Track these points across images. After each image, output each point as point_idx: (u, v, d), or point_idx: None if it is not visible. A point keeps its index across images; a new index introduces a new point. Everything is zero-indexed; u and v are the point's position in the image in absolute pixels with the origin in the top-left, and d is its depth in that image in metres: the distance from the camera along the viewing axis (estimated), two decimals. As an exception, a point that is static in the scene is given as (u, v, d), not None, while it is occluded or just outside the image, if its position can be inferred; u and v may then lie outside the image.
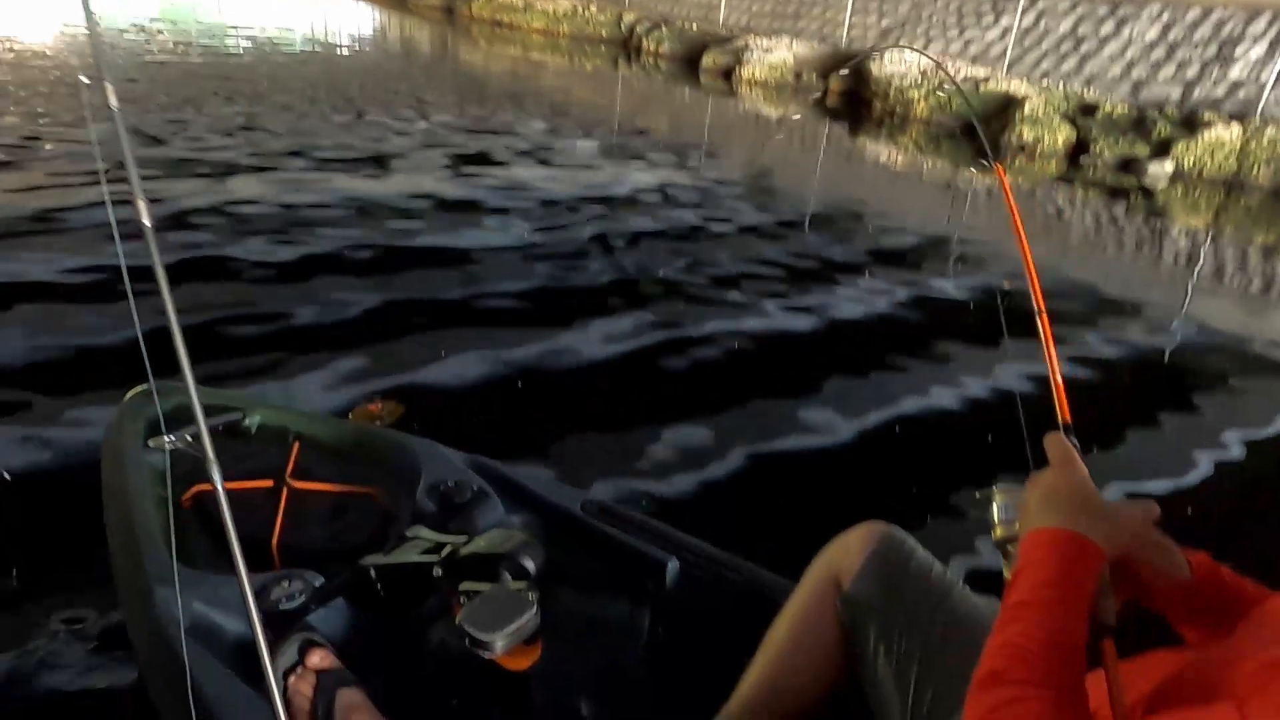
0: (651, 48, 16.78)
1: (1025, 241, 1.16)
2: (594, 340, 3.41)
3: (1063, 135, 10.22)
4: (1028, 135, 10.20)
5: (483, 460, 1.59)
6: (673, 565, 1.41)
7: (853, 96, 13.16)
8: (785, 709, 1.15)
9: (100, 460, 1.49)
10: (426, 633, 1.34)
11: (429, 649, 1.34)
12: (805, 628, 1.19)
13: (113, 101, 0.78)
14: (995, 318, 4.22)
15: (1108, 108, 10.56)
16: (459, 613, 1.19)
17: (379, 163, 6.00)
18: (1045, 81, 11.79)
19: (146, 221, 0.85)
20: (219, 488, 1.00)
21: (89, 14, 0.79)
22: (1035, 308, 1.09)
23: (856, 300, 4.33)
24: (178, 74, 8.96)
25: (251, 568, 1.22)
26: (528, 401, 2.86)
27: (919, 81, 11.90)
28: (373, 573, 1.30)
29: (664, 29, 16.91)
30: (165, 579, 1.22)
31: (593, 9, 19.01)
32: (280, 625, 1.24)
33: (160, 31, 12.50)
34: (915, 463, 2.74)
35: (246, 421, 1.58)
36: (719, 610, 1.38)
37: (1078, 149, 10.20)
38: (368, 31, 17.90)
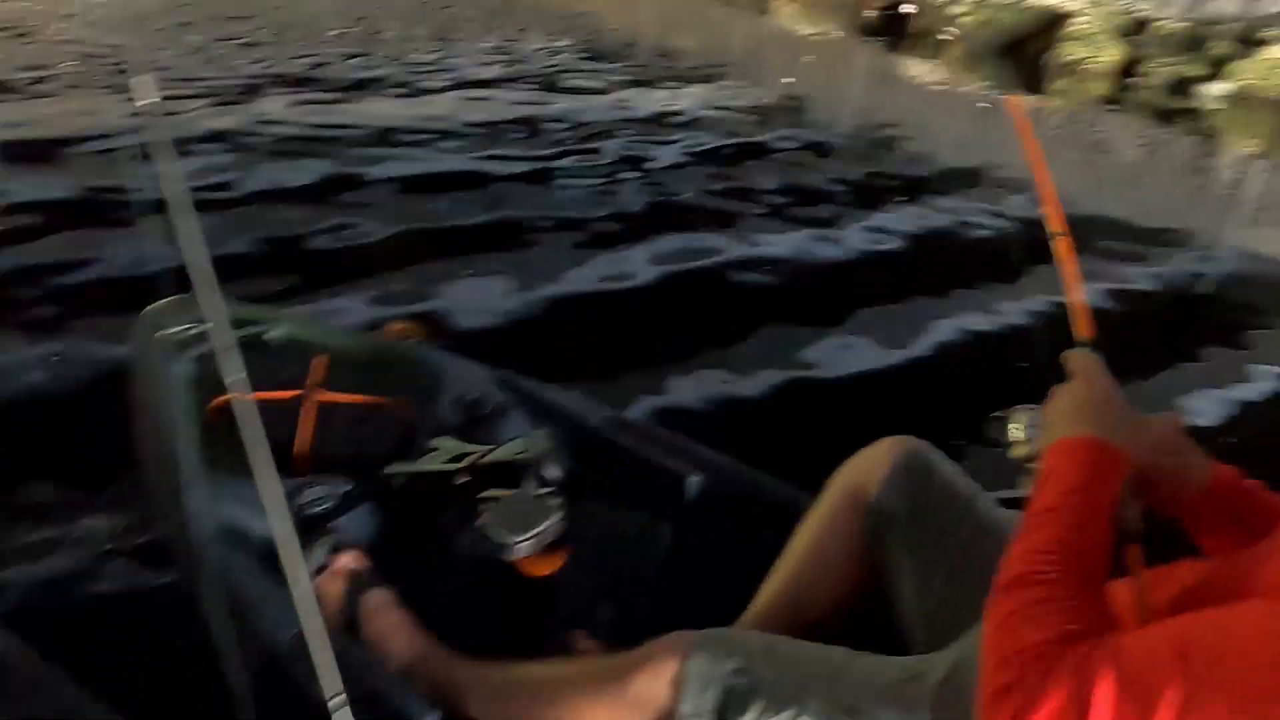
0: (681, -39, 16.12)
1: (1039, 158, 1.13)
2: (620, 265, 3.35)
3: (1112, 54, 9.77)
4: (1074, 54, 9.76)
5: (506, 374, 1.59)
6: (694, 479, 1.41)
7: (892, 13, 12.62)
8: (805, 617, 1.16)
9: (129, 373, 1.50)
10: (450, 538, 1.35)
11: (453, 554, 1.36)
12: (828, 537, 1.19)
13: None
14: (1029, 244, 4.12)
15: (1161, 25, 10.04)
16: (482, 517, 1.20)
17: (402, 85, 5.88)
18: (1096, -5, 11.20)
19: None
20: (241, 397, 1.00)
21: None
22: (1049, 231, 1.08)
23: (889, 226, 4.20)
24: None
25: (280, 475, 1.27)
26: (558, 327, 2.84)
27: (962, -3, 11.39)
28: (398, 480, 1.33)
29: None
30: (194, 484, 1.25)
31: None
32: (308, 529, 1.27)
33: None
34: (944, 390, 2.70)
35: (272, 334, 1.58)
36: (740, 523, 1.39)
37: (1127, 69, 9.75)
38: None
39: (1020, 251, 3.73)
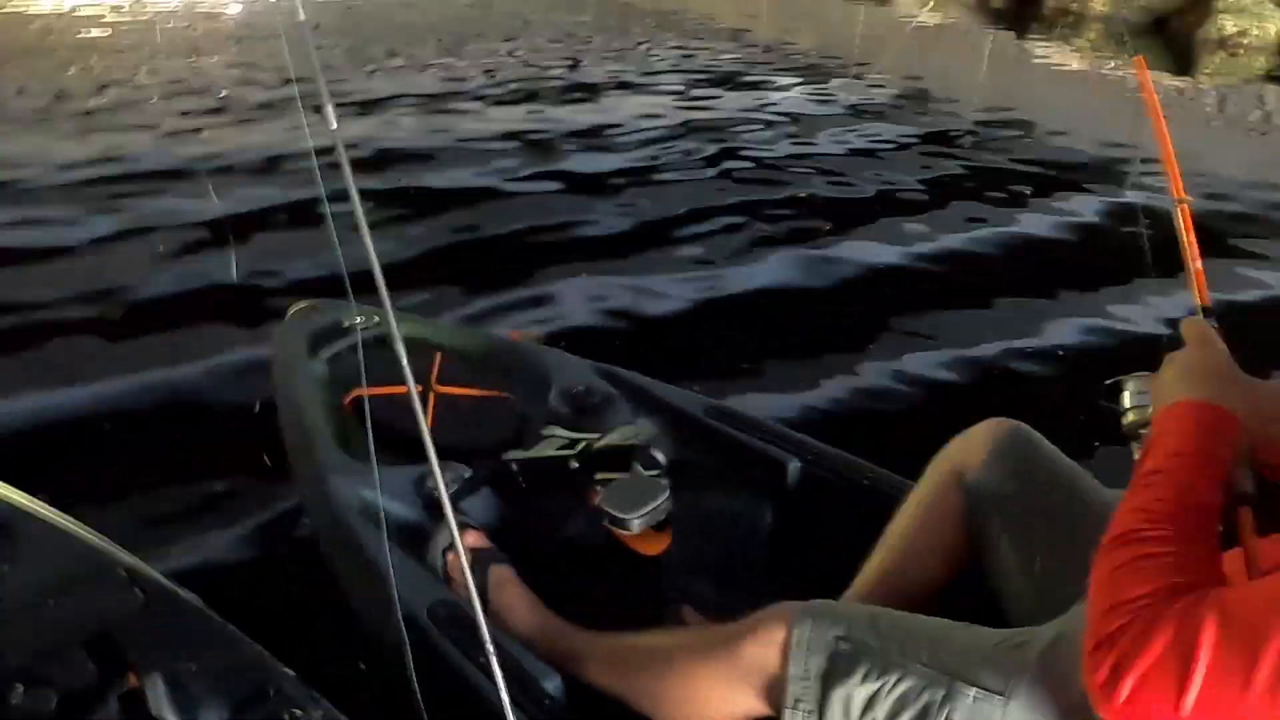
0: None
1: (1164, 130, 1.18)
2: (735, 261, 3.37)
3: (1275, 25, 8.93)
4: (1230, 27, 8.99)
5: (609, 367, 1.66)
6: (794, 464, 1.45)
7: (1021, -6, 12.01)
8: (907, 594, 1.18)
9: (270, 370, 1.65)
10: (566, 518, 1.44)
11: (568, 533, 1.44)
12: (929, 517, 1.21)
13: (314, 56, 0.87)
14: (1170, 236, 3.85)
15: (1335, -11, 9.11)
16: (597, 497, 1.29)
17: (530, 96, 6.09)
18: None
19: (344, 160, 0.93)
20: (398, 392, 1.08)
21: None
22: (1172, 198, 1.09)
23: (1020, 219, 4.02)
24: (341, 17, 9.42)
25: (407, 462, 1.38)
26: (665, 330, 2.88)
27: (1099, -27, 10.69)
28: (515, 466, 1.42)
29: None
30: (336, 469, 1.37)
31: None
32: (436, 511, 1.37)
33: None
34: (1068, 381, 2.61)
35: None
36: (839, 507, 1.41)
37: (1293, 40, 8.90)
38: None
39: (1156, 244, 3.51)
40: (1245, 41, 8.93)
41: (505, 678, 1.01)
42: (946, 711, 0.88)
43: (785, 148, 5.06)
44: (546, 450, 1.42)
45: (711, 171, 4.58)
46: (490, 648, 0.94)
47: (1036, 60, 8.90)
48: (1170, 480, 0.75)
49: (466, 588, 1.33)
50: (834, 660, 0.95)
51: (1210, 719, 0.62)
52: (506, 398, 1.64)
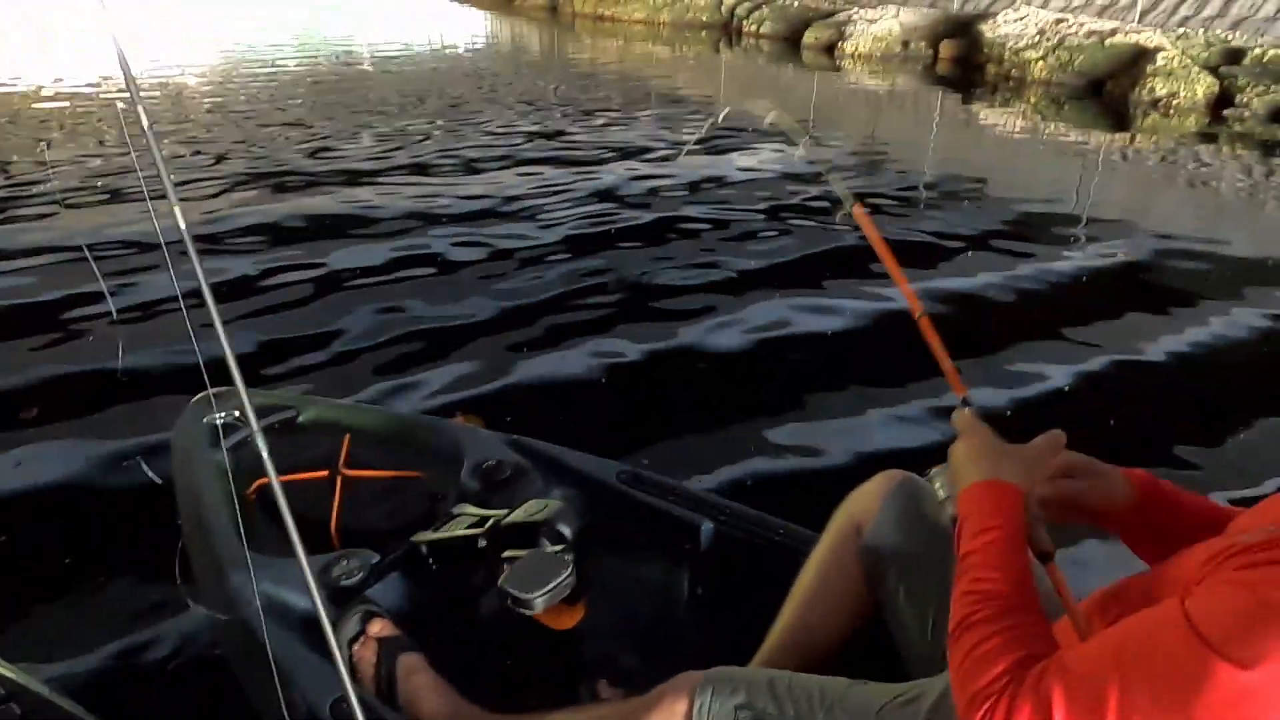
0: (752, 29, 16.55)
1: (892, 261, 1.22)
2: (703, 328, 3.39)
3: (1203, 87, 9.39)
4: (1161, 89, 9.43)
5: (521, 439, 1.66)
6: (706, 526, 1.47)
7: (964, 62, 12.54)
8: (815, 649, 1.21)
9: (171, 462, 1.63)
10: (476, 599, 1.42)
11: (479, 614, 1.42)
12: (830, 573, 1.25)
13: (145, 122, 0.86)
14: (1113, 293, 3.98)
15: (1257, 53, 9.61)
16: (502, 577, 1.27)
17: (487, 165, 6.19)
18: (1183, 29, 10.83)
19: (187, 238, 0.91)
20: (274, 480, 1.07)
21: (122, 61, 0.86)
22: (910, 309, 1.18)
23: (971, 276, 4.12)
24: (305, 90, 9.57)
25: (313, 550, 1.34)
26: (631, 398, 2.89)
27: (1036, 41, 11.20)
28: (424, 548, 1.40)
29: (765, 9, 16.63)
30: (237, 563, 1.34)
31: (692, -6, 18.92)
32: (342, 600, 1.35)
33: (292, 52, 13.40)
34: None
35: (301, 418, 1.70)
36: (753, 566, 1.43)
37: (1220, 101, 9.33)
38: (479, 36, 18.55)
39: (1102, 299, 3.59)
40: (1176, 103, 9.35)
41: None
42: None
43: (726, 210, 5.15)
44: (456, 529, 1.40)
45: (662, 228, 4.67)
46: None
47: (981, 123, 9.25)
48: (983, 559, 0.83)
49: (371, 679, 1.30)
50: None
51: None
52: (418, 477, 1.63)
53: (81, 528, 2.12)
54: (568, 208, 5.12)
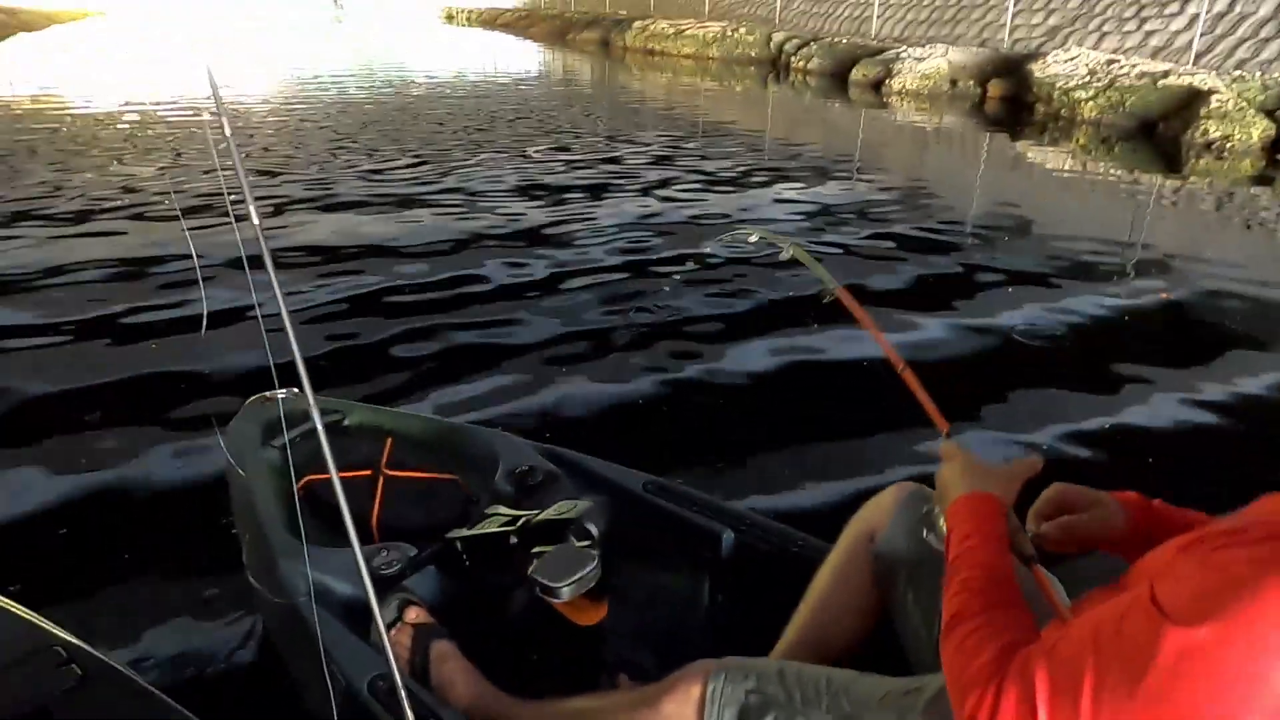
0: (800, 65, 16.71)
1: (876, 330, 1.40)
2: (745, 359, 3.43)
3: (1258, 130, 9.23)
4: (1215, 132, 9.28)
5: (554, 448, 1.74)
6: (728, 536, 1.53)
7: (1013, 101, 12.50)
8: (826, 648, 1.27)
9: (226, 459, 1.73)
10: (506, 593, 1.50)
11: (509, 607, 1.50)
12: (843, 578, 1.31)
13: (227, 130, 0.95)
14: (1159, 335, 3.95)
15: (1317, 96, 9.42)
16: (530, 569, 1.35)
17: (540, 191, 6.36)
18: (1239, 72, 10.68)
19: (265, 251, 1.01)
20: (335, 476, 1.15)
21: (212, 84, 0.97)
22: (893, 363, 1.31)
23: (1015, 312, 4.11)
24: (369, 118, 9.93)
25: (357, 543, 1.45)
26: (676, 422, 2.94)
27: (1086, 81, 11.14)
28: (459, 544, 1.49)
29: (813, 45, 16.79)
30: (287, 553, 1.43)
31: (741, 31, 19.18)
32: (381, 589, 1.42)
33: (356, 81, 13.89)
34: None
35: (346, 421, 1.81)
36: (770, 573, 1.48)
37: (1277, 144, 9.17)
38: (534, 68, 19.06)
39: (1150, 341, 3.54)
40: (1230, 145, 9.21)
41: None
42: None
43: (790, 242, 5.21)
44: (489, 527, 1.48)
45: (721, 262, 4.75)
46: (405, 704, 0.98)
47: (1029, 162, 9.21)
48: (968, 562, 0.90)
49: (406, 662, 1.39)
50: (744, 712, 1.03)
51: None
52: (455, 480, 1.72)
53: (149, 516, 2.27)
54: (612, 234, 5.25)
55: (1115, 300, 4.38)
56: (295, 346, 1.04)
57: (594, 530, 1.41)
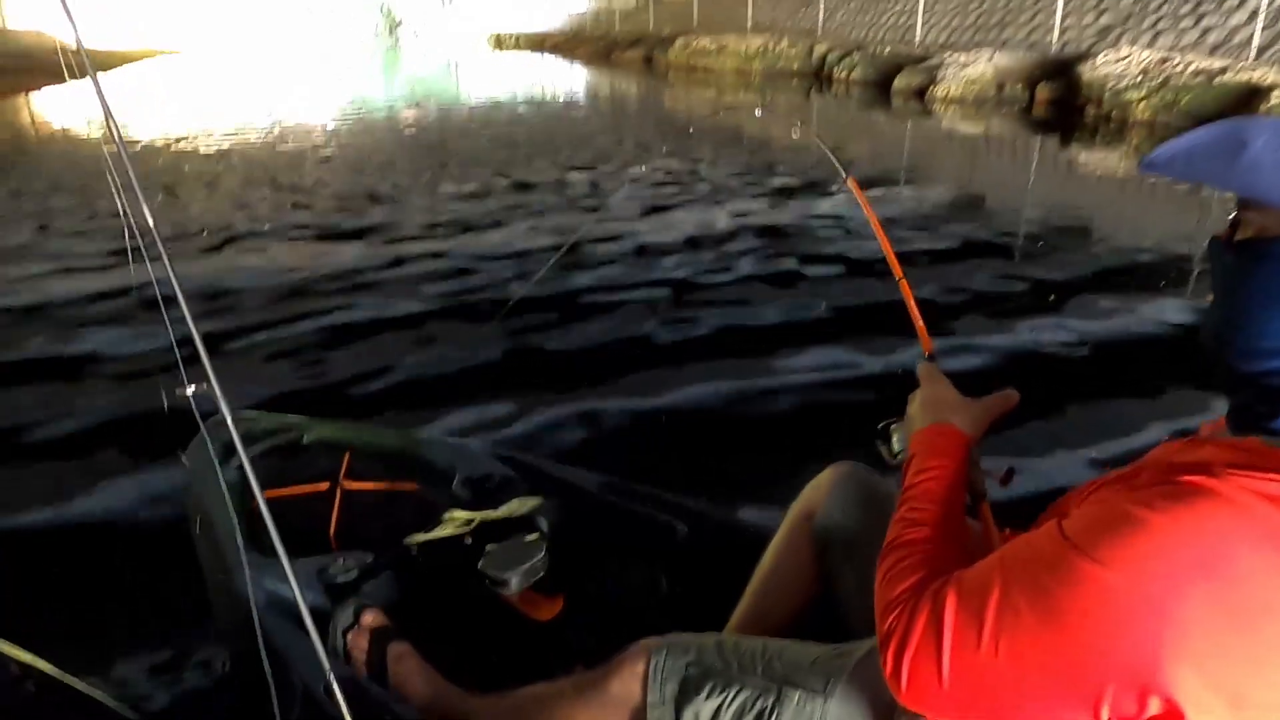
0: (843, 75, 16.59)
1: (879, 227, 1.47)
2: (787, 372, 3.39)
3: (1324, 125, 8.80)
4: (1277, 129, 8.88)
5: (510, 453, 1.78)
6: (681, 528, 1.57)
7: (1062, 104, 12.18)
8: (769, 624, 1.32)
9: (184, 480, 1.77)
10: (463, 594, 1.52)
11: (465, 607, 1.52)
12: (783, 556, 1.37)
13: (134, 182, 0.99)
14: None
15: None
16: (480, 562, 1.38)
17: (589, 209, 6.41)
18: (1303, 66, 10.23)
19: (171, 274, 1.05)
20: (258, 496, 1.19)
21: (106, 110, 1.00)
22: (896, 277, 1.34)
23: (1072, 322, 3.97)
24: (418, 142, 10.18)
25: (313, 553, 1.49)
26: (715, 438, 2.92)
27: (1139, 81, 10.79)
28: (414, 549, 1.51)
29: (855, 55, 16.66)
30: (240, 566, 1.45)
31: (783, 44, 19.15)
32: (339, 595, 1.46)
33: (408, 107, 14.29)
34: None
35: (305, 437, 1.84)
36: (723, 564, 1.50)
37: (1346, 139, 8.73)
38: (579, 88, 19.38)
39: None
40: (1293, 142, 8.80)
41: None
42: (776, 713, 1.00)
43: (840, 252, 5.14)
44: (444, 531, 1.51)
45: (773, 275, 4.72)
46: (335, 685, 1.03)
47: (1081, 166, 8.94)
48: (920, 492, 0.93)
49: (363, 664, 1.39)
50: (685, 683, 1.07)
51: (966, 688, 0.73)
52: (413, 489, 1.75)
53: (106, 538, 2.32)
54: (654, 247, 5.27)
55: (1178, 311, 4.17)
56: (211, 373, 1.08)
57: (543, 524, 1.44)
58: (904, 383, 1.13)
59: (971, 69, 13.51)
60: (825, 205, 6.42)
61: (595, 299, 4.33)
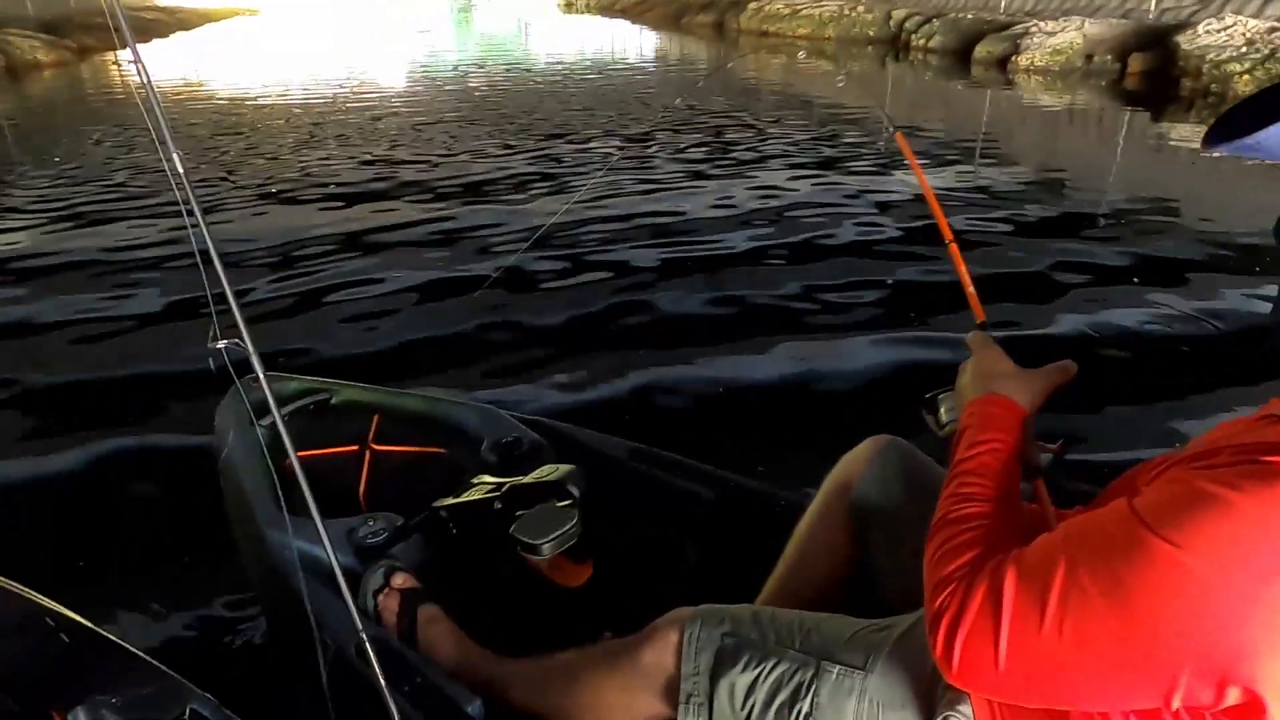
0: (921, 43, 15.95)
1: (925, 182, 1.42)
2: (861, 347, 3.31)
3: None
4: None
5: (539, 419, 1.76)
6: (711, 497, 1.55)
7: (1156, 77, 11.48)
8: (803, 598, 1.27)
9: (214, 440, 1.76)
10: (492, 558, 1.50)
11: (495, 572, 1.51)
12: (820, 529, 1.33)
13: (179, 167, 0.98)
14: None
15: None
16: (512, 527, 1.36)
17: (648, 182, 6.30)
18: None
19: (206, 235, 1.04)
20: (293, 456, 1.18)
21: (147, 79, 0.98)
22: (945, 240, 1.28)
23: (1156, 309, 3.74)
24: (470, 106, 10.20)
25: (343, 515, 1.48)
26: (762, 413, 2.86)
27: (1242, 52, 10.09)
28: (444, 513, 1.48)
29: (936, 22, 16.00)
30: (274, 526, 1.46)
31: (859, 9, 18.51)
32: (369, 557, 1.46)
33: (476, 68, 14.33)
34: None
35: (334, 400, 1.84)
36: (752, 532, 1.49)
37: None
38: (650, 52, 19.14)
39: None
40: None
41: (429, 704, 1.14)
42: (814, 688, 0.98)
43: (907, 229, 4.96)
44: (473, 495, 1.48)
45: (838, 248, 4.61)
46: (373, 654, 1.03)
47: (1174, 143, 8.42)
48: (972, 466, 0.88)
49: (393, 625, 1.39)
50: (720, 654, 1.05)
51: (1024, 670, 0.70)
52: (441, 453, 1.73)
53: (140, 495, 2.38)
54: (730, 221, 5.15)
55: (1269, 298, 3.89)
56: (245, 333, 1.07)
57: (575, 491, 1.42)
58: (949, 362, 1.06)
59: (1059, 38, 12.82)
60: (890, 178, 6.19)
61: (633, 266, 4.28)
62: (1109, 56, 12.46)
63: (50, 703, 1.00)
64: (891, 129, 1.54)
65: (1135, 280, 4.09)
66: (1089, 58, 12.60)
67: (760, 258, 4.43)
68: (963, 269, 1.21)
